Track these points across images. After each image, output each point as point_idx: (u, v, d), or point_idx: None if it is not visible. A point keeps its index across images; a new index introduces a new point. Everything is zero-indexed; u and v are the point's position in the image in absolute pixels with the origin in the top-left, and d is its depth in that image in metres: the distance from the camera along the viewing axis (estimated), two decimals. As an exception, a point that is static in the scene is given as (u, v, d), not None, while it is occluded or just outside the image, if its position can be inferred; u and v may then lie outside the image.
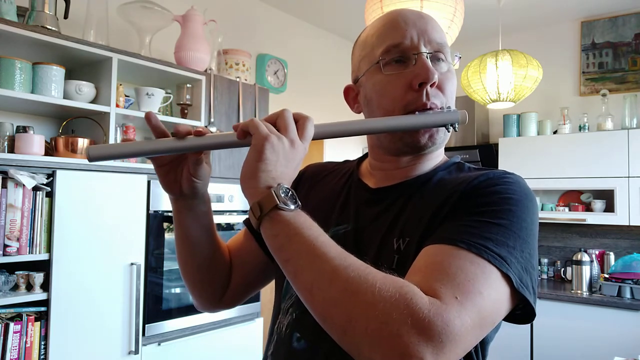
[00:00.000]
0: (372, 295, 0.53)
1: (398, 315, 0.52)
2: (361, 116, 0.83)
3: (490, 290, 0.57)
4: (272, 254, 0.62)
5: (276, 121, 0.67)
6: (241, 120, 2.67)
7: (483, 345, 0.71)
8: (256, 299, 2.70)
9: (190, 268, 0.86)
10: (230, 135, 0.68)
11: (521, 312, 0.65)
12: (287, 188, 0.62)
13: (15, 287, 1.86)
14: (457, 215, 0.66)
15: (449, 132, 0.75)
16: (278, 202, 0.60)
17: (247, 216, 0.91)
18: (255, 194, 0.62)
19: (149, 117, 0.71)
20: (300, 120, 0.67)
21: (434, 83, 0.72)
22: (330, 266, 0.56)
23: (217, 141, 0.69)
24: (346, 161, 0.95)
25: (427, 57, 0.72)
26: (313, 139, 0.69)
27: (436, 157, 0.81)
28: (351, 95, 0.84)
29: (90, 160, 0.66)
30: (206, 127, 2.45)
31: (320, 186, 0.90)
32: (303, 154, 0.66)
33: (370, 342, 0.52)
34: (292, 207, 0.61)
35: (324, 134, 0.71)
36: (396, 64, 0.74)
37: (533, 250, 0.65)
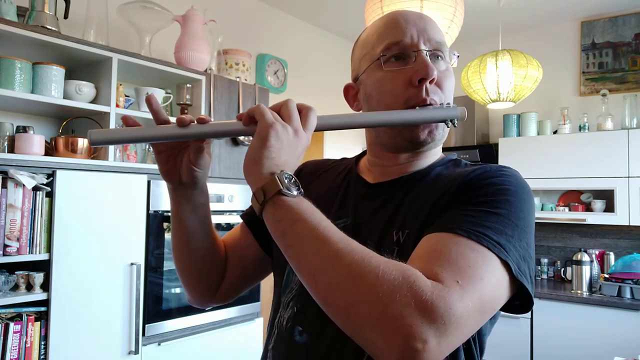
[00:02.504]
0: (376, 278, 0.53)
1: (401, 297, 0.52)
2: None
3: (491, 276, 0.58)
4: (275, 241, 0.62)
5: (280, 110, 0.67)
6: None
7: (480, 337, 0.73)
8: (256, 299, 2.70)
9: (185, 260, 0.86)
10: (233, 123, 0.69)
11: (520, 302, 0.66)
12: (290, 175, 0.63)
13: (15, 287, 1.86)
14: (456, 206, 0.67)
15: (448, 127, 0.76)
16: (281, 188, 0.61)
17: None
18: (259, 180, 0.63)
19: (149, 100, 0.71)
20: (303, 111, 0.68)
21: (433, 79, 0.73)
22: (333, 250, 0.57)
23: (220, 129, 0.70)
24: (344, 159, 0.96)
25: (426, 55, 0.74)
26: (315, 130, 0.70)
27: (434, 155, 0.82)
28: (351, 94, 0.85)
29: (92, 144, 0.67)
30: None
31: (319, 182, 0.91)
32: (306, 143, 0.67)
33: (372, 325, 0.52)
34: (295, 192, 0.62)
35: (326, 126, 0.72)
36: (396, 61, 0.76)
37: (530, 241, 0.66)
